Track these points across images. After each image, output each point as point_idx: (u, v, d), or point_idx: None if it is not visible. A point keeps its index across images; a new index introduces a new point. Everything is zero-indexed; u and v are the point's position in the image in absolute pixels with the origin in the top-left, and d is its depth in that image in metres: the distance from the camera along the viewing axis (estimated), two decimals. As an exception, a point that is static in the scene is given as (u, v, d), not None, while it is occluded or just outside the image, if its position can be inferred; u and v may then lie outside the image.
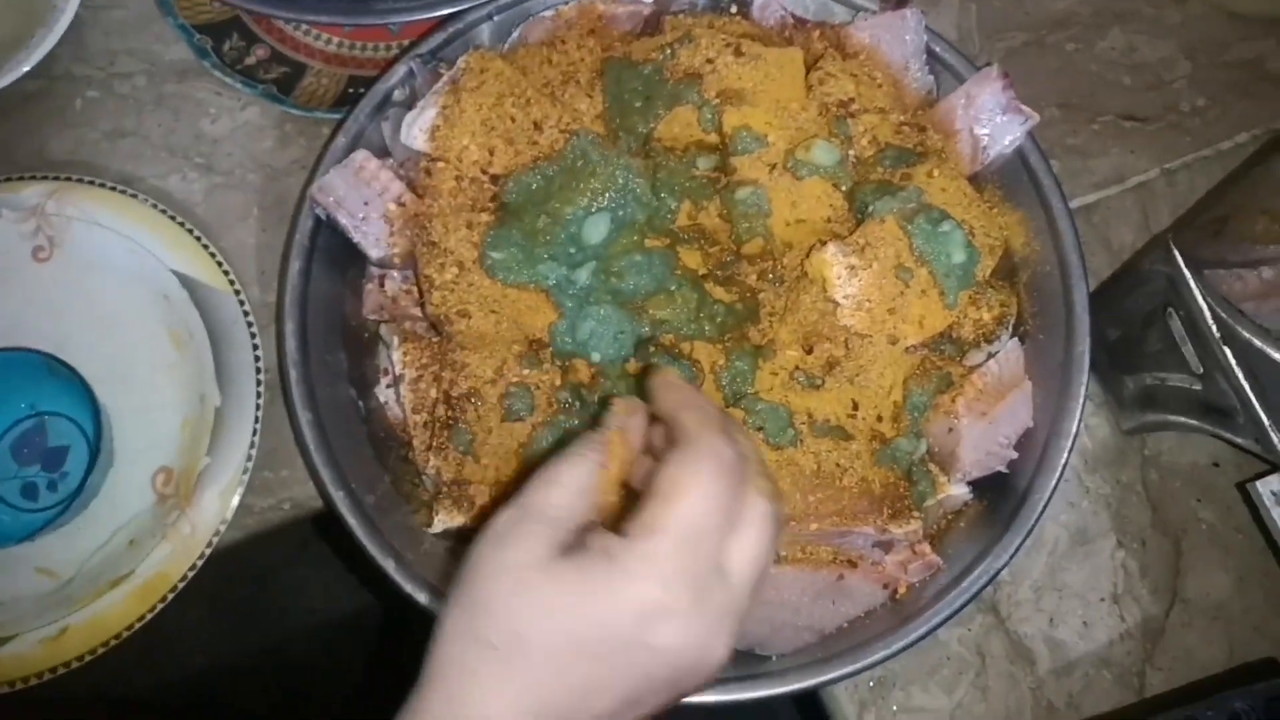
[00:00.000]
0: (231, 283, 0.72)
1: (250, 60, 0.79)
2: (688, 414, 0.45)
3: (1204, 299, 0.57)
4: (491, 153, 0.64)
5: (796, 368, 0.61)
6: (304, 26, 0.80)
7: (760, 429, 0.58)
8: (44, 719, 0.69)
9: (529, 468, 0.61)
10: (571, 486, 0.43)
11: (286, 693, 1.14)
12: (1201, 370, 0.60)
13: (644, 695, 0.40)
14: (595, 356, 0.61)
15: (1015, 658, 0.67)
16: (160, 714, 0.90)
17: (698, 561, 0.41)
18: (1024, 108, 0.66)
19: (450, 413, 0.62)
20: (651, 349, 0.62)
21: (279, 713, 1.11)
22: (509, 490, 0.61)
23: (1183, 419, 0.64)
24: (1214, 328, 0.57)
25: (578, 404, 0.61)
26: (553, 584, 0.40)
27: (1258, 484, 0.55)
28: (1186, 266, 0.58)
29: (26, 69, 0.76)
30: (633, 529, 0.41)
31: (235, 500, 0.68)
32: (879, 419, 0.61)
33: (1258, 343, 0.56)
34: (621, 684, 0.40)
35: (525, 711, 0.39)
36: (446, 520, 0.62)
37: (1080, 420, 0.61)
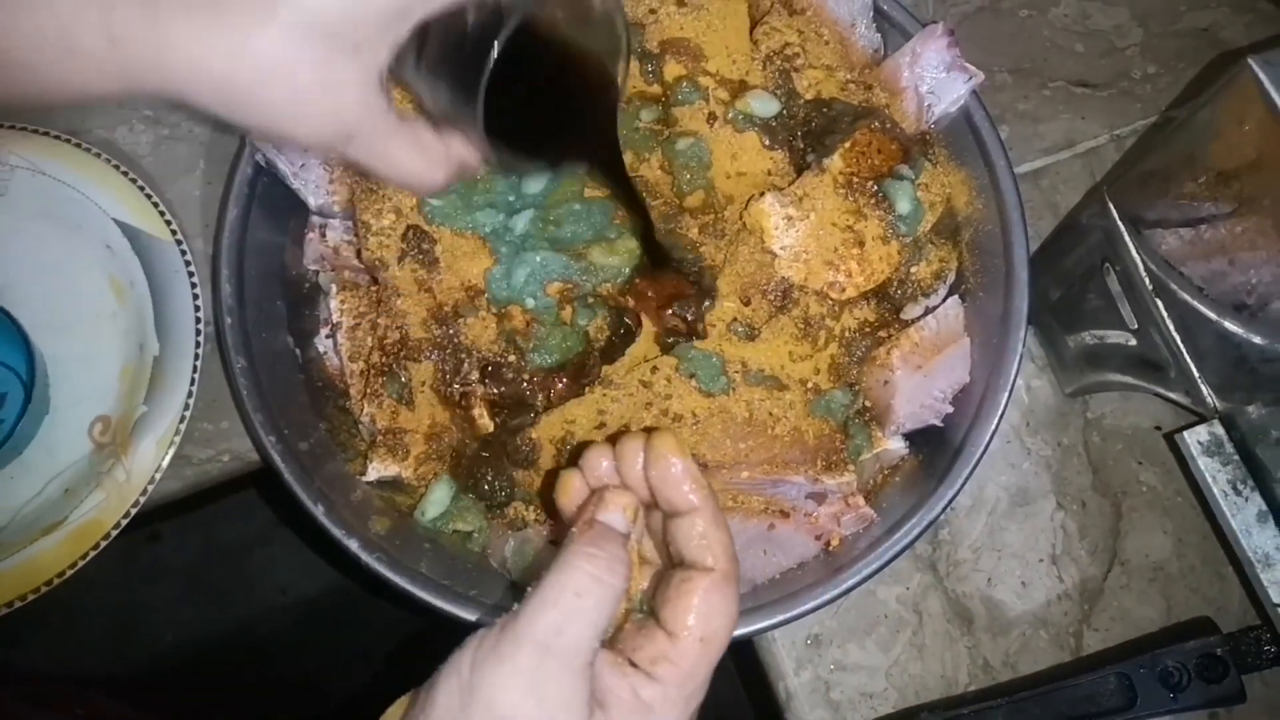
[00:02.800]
0: (174, 233, 0.71)
1: (200, 13, 0.78)
2: (713, 530, 0.42)
3: (1138, 253, 0.57)
4: (432, 101, 0.64)
5: (734, 319, 0.61)
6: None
7: (692, 376, 0.58)
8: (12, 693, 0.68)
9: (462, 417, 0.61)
10: (601, 625, 0.38)
11: (254, 671, 1.14)
12: (1136, 325, 0.60)
13: None
14: (530, 303, 0.60)
15: (953, 617, 0.67)
16: (126, 694, 0.89)
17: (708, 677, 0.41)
18: (968, 66, 0.66)
19: (385, 359, 0.61)
20: (590, 300, 0.62)
21: (246, 691, 1.11)
22: (441, 438, 0.62)
23: (1120, 377, 0.64)
24: (1147, 281, 0.57)
25: (512, 351, 0.61)
26: None
27: (1185, 434, 0.55)
28: (1122, 220, 0.58)
29: (-29, 15, 0.75)
30: (667, 673, 0.39)
31: (171, 450, 0.67)
32: (815, 370, 0.61)
33: (1188, 298, 0.56)
34: None
35: None
36: (380, 469, 0.62)
37: (1016, 374, 0.61)
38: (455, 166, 0.47)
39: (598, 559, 0.39)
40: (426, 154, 0.46)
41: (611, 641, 0.41)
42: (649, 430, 0.45)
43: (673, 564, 0.43)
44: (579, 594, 0.38)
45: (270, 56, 0.38)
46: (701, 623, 0.40)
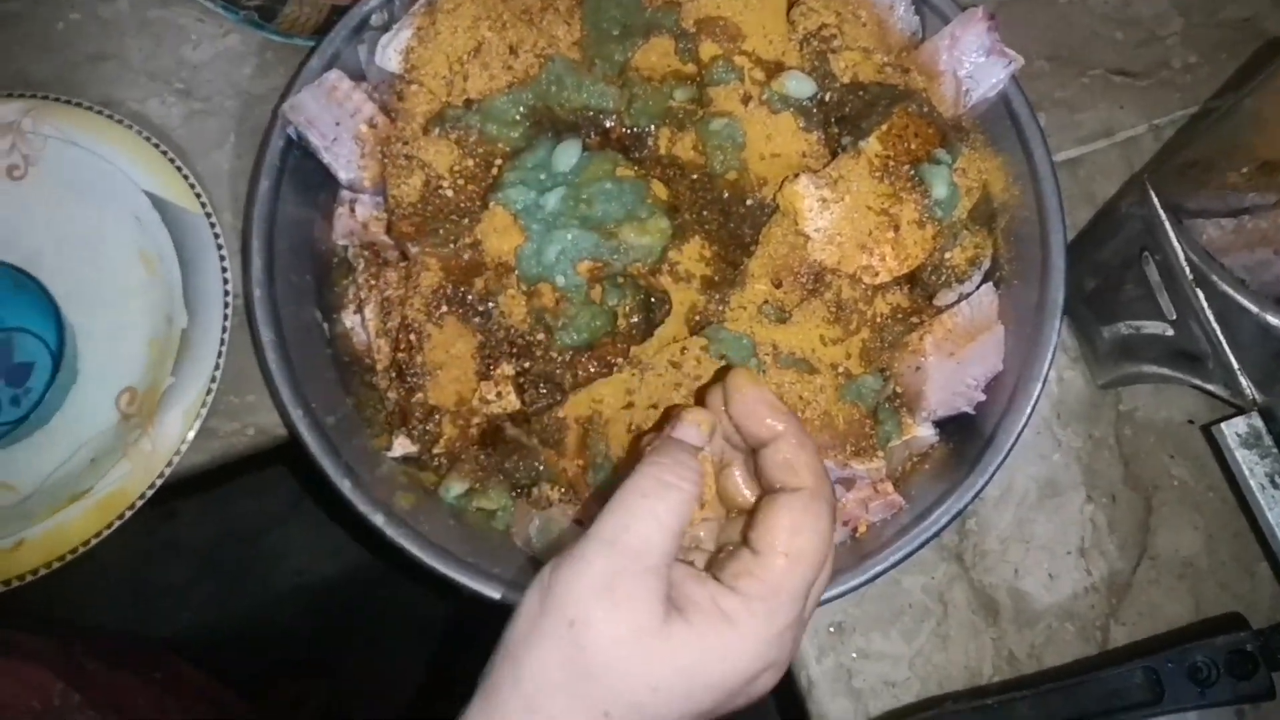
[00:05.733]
0: (204, 206, 0.71)
1: (233, -14, 0.78)
2: (797, 452, 0.43)
3: (1178, 242, 0.56)
4: (465, 76, 0.63)
5: (765, 301, 0.60)
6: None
7: (723, 357, 0.58)
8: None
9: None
10: (672, 527, 0.40)
11: (270, 650, 1.14)
12: (1175, 316, 0.59)
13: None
14: (560, 281, 0.60)
15: (978, 608, 0.66)
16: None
17: (802, 613, 0.41)
18: (1008, 50, 0.65)
19: (411, 336, 0.61)
20: (620, 279, 0.61)
21: (261, 670, 1.12)
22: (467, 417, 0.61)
23: (1156, 368, 0.63)
24: (1187, 271, 0.56)
25: (541, 329, 0.60)
26: (672, 653, 0.38)
27: (1223, 425, 0.54)
28: (1163, 209, 0.57)
29: (7, -14, 0.75)
30: (750, 587, 0.39)
31: (198, 422, 0.67)
32: (846, 355, 0.60)
33: (1229, 289, 0.55)
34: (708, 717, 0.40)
35: None
36: (406, 444, 0.62)
37: (1050, 364, 0.60)
38: None
39: (663, 464, 0.41)
40: None
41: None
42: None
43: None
44: (644, 495, 0.40)
45: None
46: (786, 538, 0.40)
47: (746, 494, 0.46)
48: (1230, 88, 0.76)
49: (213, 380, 0.68)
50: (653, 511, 0.39)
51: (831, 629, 0.66)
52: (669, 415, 0.45)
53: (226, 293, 0.70)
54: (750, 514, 0.43)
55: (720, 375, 0.57)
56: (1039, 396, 0.59)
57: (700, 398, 0.48)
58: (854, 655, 0.65)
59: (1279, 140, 0.52)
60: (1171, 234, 0.56)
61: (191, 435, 0.67)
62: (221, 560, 1.16)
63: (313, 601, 1.17)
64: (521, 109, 0.63)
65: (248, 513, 1.17)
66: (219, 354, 0.68)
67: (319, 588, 1.17)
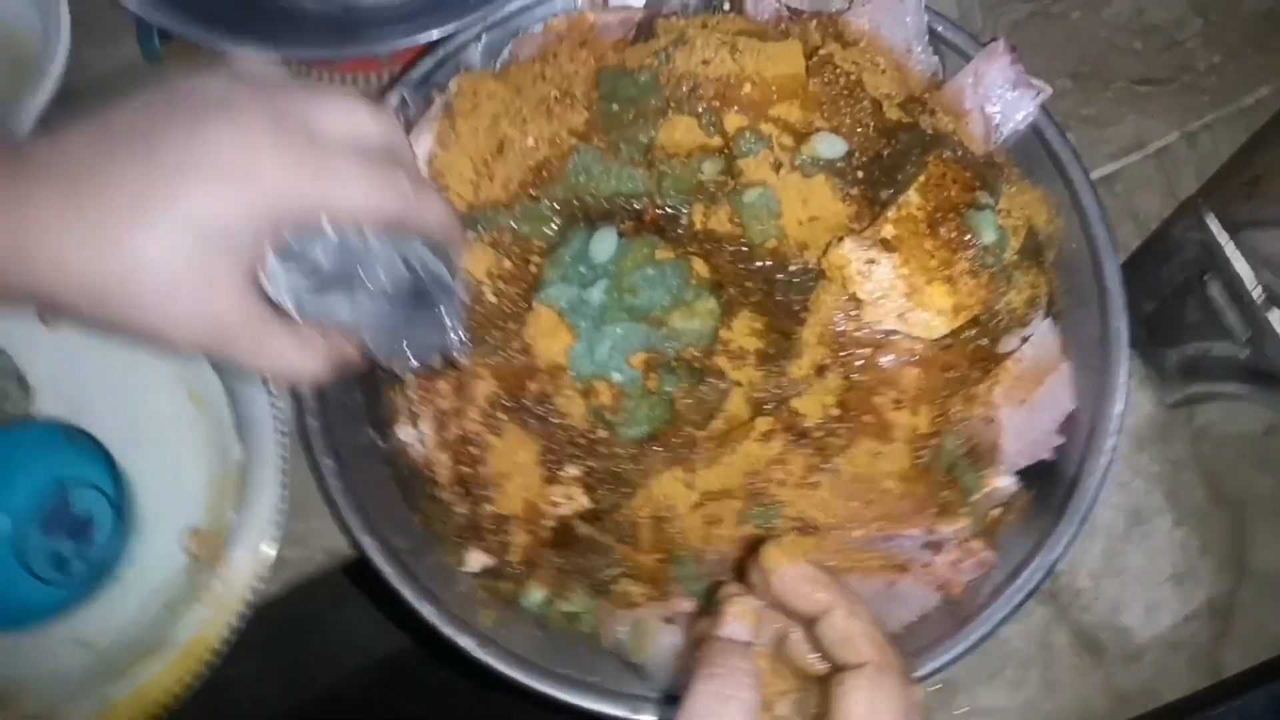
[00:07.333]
0: (244, 334, 0.70)
1: (244, 108, 0.77)
2: (851, 624, 0.41)
3: (1246, 262, 0.55)
4: (492, 177, 0.63)
5: (824, 368, 0.59)
6: (294, 65, 0.79)
7: (798, 430, 0.56)
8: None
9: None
10: None
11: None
12: (1247, 336, 0.57)
13: None
14: (616, 377, 0.59)
15: (1081, 649, 0.65)
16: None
17: None
18: (1034, 81, 0.64)
19: (471, 448, 0.60)
20: (673, 363, 0.60)
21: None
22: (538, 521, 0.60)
23: (1230, 387, 0.61)
24: (1257, 293, 0.54)
25: (602, 426, 0.59)
26: None
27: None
28: (1224, 229, 0.56)
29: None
30: None
31: (269, 555, 0.66)
32: (915, 415, 0.59)
33: (1305, 302, 0.53)
34: None
35: None
36: (481, 557, 0.61)
37: (1125, 399, 0.58)
38: (336, 358, 0.47)
39: (717, 676, 0.39)
40: (308, 348, 0.45)
41: None
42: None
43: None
44: (707, 716, 0.38)
45: (144, 253, 0.38)
46: None
47: (817, 666, 0.44)
48: (1265, 84, 0.75)
49: (278, 512, 0.67)
50: None
51: (937, 687, 0.64)
52: (716, 611, 0.44)
53: (277, 418, 0.69)
54: (822, 693, 0.41)
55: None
56: (1119, 433, 0.58)
57: (741, 573, 0.46)
58: (965, 710, 0.64)
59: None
60: (1235, 255, 0.55)
61: (265, 570, 0.66)
62: (284, 651, 1.15)
63: (380, 678, 1.16)
64: (554, 204, 0.62)
65: (303, 602, 1.16)
66: (281, 484, 0.67)
67: (385, 664, 1.16)
